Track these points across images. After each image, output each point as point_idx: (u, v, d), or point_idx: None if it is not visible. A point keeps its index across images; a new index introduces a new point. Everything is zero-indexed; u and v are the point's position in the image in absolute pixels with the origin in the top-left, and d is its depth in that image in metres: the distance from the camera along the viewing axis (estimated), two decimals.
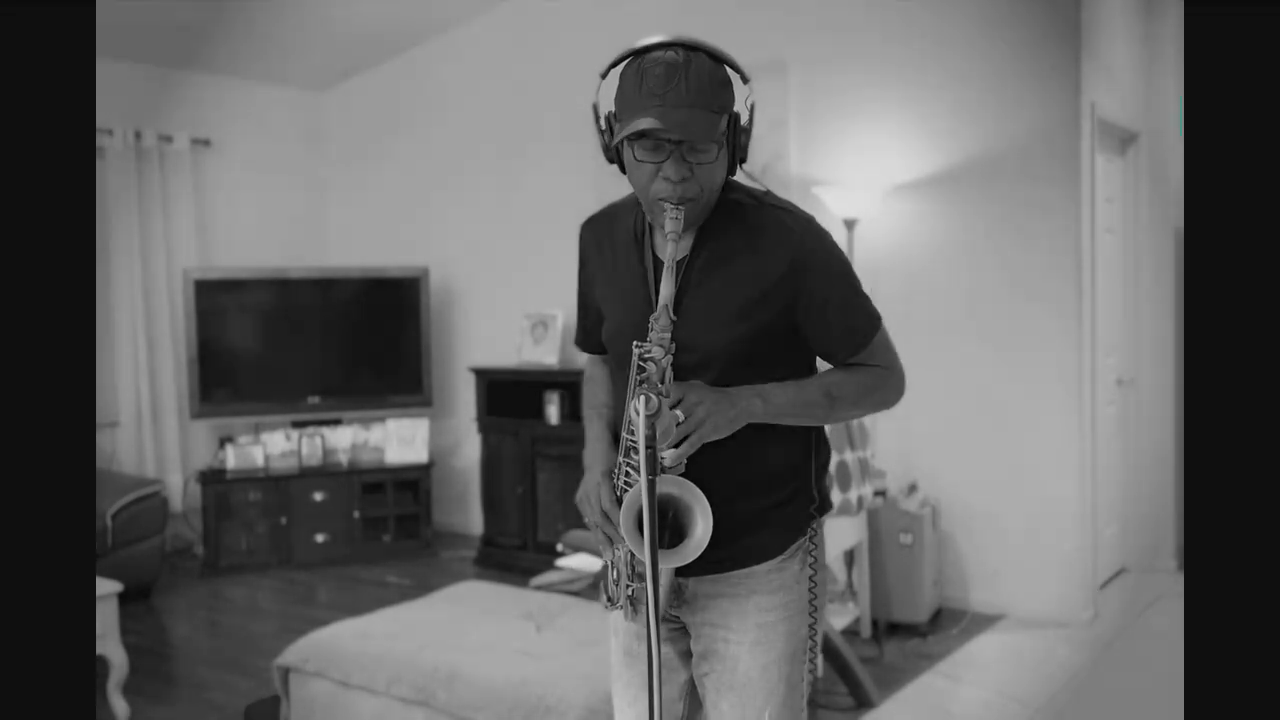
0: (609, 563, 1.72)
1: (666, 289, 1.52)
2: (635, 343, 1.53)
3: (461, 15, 5.93)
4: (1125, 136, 4.94)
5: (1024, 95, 4.38)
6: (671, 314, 1.51)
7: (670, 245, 1.53)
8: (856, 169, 4.71)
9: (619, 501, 1.62)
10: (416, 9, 5.78)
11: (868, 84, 4.72)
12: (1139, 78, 4.99)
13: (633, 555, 1.63)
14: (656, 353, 1.51)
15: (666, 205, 1.54)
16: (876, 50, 4.68)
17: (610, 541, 1.68)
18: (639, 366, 1.53)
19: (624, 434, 1.61)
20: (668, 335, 1.51)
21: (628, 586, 1.67)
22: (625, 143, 1.57)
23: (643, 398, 1.44)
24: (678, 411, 1.50)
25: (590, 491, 1.68)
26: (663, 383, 1.51)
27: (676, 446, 1.51)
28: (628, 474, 1.61)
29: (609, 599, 1.73)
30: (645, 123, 1.49)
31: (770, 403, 1.59)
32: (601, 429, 1.80)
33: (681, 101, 1.50)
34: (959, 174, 4.52)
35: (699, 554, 1.53)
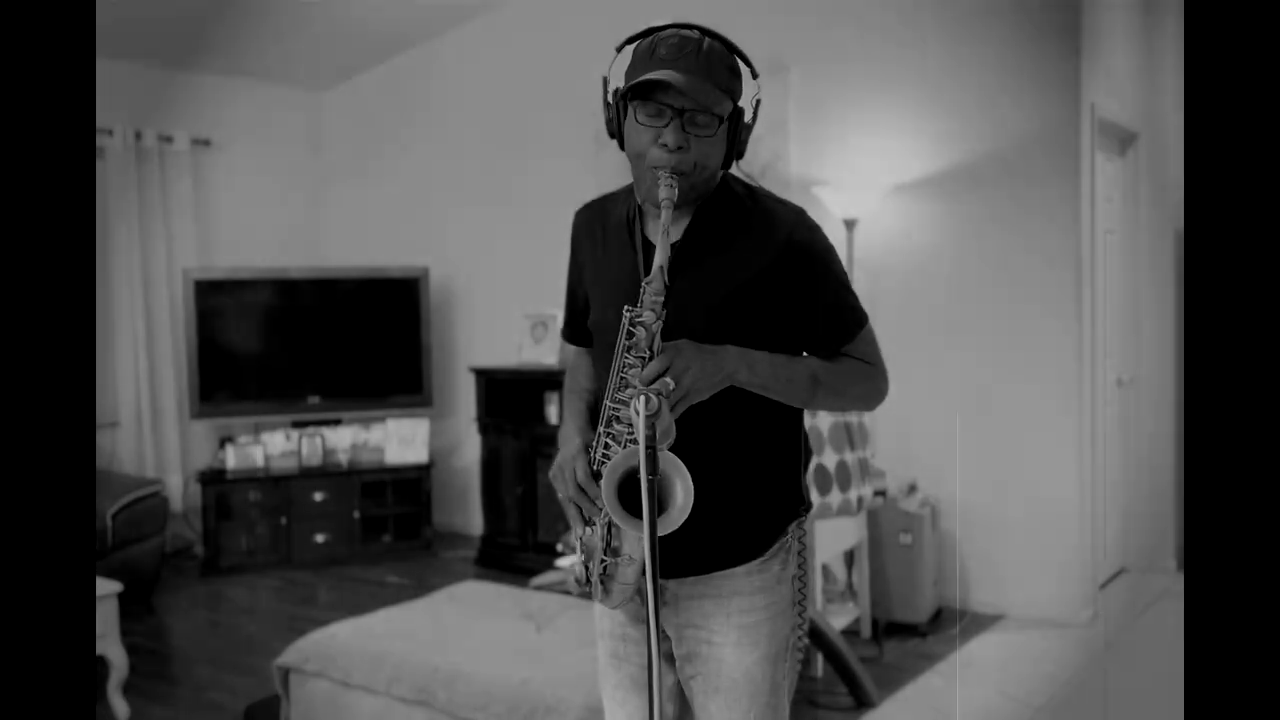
0: (580, 540, 1.67)
1: (661, 254, 1.49)
2: (626, 307, 1.51)
3: (461, 15, 5.93)
4: (1125, 136, 4.93)
5: (1024, 95, 4.38)
6: (666, 279, 1.49)
7: (664, 213, 1.52)
8: (856, 169, 4.71)
9: (597, 476, 1.58)
10: (417, 9, 5.78)
11: (868, 84, 4.72)
12: (1139, 78, 4.99)
13: (608, 529, 1.59)
14: (648, 317, 1.48)
15: (661, 174, 1.54)
16: (876, 50, 4.68)
17: (582, 515, 1.64)
18: (628, 331, 1.51)
19: (606, 401, 1.57)
20: (660, 299, 1.48)
21: (601, 563, 1.62)
22: (628, 106, 1.58)
23: (643, 398, 1.41)
24: (667, 379, 1.47)
25: (565, 464, 1.64)
26: (651, 348, 1.49)
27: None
28: (607, 445, 1.58)
29: (577, 580, 1.68)
30: (655, 75, 1.51)
31: (755, 371, 1.57)
32: (581, 408, 1.78)
33: (692, 69, 1.52)
34: (959, 174, 4.52)
35: (681, 522, 1.47)
